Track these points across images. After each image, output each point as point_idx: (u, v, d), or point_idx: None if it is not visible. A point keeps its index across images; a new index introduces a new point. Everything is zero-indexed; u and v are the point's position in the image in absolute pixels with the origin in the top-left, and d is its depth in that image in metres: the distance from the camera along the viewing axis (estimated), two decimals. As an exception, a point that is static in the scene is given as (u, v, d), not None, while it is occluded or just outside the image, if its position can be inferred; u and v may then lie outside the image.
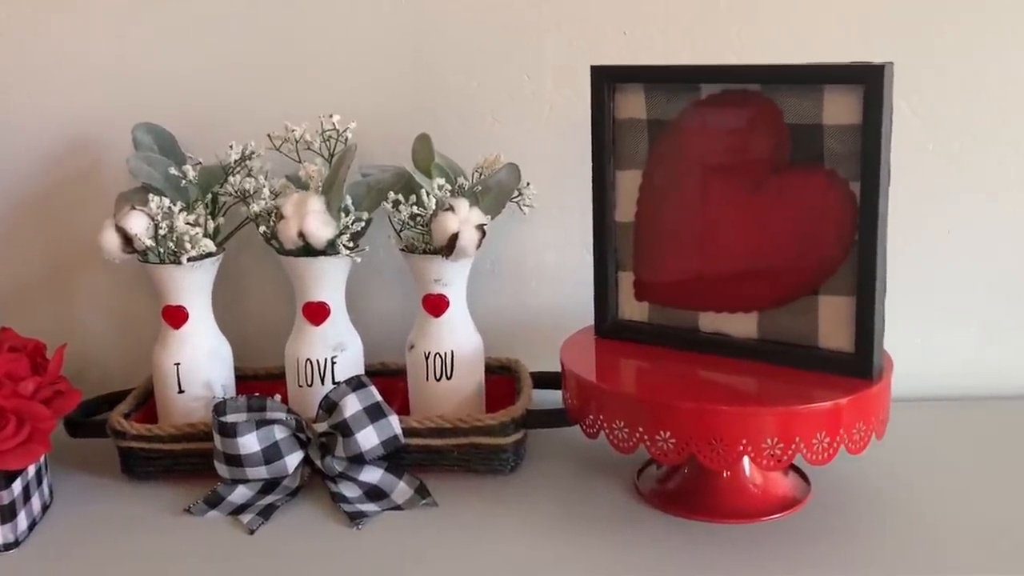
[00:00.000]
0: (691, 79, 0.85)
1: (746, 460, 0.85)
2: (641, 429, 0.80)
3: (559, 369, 1.02)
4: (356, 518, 0.86)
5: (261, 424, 0.88)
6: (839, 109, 0.80)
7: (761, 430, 0.77)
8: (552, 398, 1.01)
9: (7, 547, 0.82)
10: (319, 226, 0.91)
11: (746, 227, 0.85)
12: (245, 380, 1.04)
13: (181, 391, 0.95)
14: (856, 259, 0.81)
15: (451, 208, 0.91)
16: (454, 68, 1.05)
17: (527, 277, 1.10)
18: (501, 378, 1.03)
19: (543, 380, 1.02)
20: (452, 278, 0.95)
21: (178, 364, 0.95)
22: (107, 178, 1.07)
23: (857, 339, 0.81)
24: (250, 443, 0.88)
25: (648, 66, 0.89)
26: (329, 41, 1.05)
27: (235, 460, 0.88)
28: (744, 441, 0.77)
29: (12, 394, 0.83)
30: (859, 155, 0.79)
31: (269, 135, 0.98)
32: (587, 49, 1.04)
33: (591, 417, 0.84)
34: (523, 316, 1.11)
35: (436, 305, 0.96)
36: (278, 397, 0.93)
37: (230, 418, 0.89)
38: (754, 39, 1.02)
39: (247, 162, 0.97)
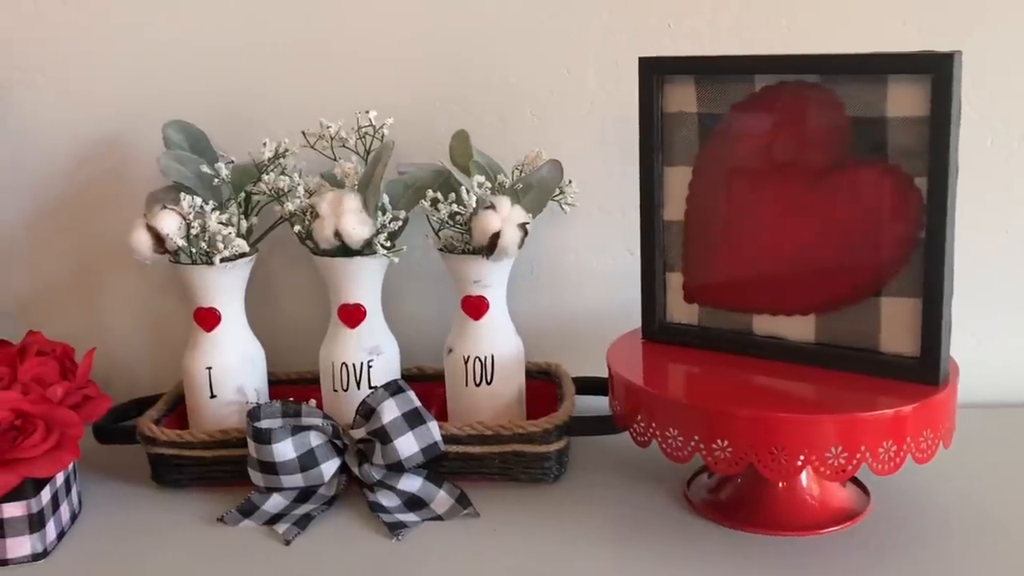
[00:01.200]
0: (745, 70, 0.81)
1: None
2: (696, 437, 0.76)
3: (600, 374, 0.99)
4: (396, 528, 0.82)
5: (296, 430, 0.85)
6: (904, 101, 0.76)
7: (825, 439, 0.73)
8: (593, 404, 0.97)
9: (35, 557, 0.80)
10: (356, 225, 0.88)
11: (804, 225, 0.81)
12: (277, 384, 1.00)
13: (213, 396, 0.92)
14: (922, 259, 0.76)
15: (492, 206, 0.88)
16: (492, 63, 1.02)
17: (566, 279, 1.07)
18: (540, 383, 1.00)
19: (584, 386, 0.98)
20: (492, 279, 0.92)
21: (210, 368, 0.92)
22: (136, 178, 1.04)
23: (923, 343, 0.77)
24: (285, 450, 0.84)
25: (700, 57, 0.86)
26: (363, 36, 1.02)
27: (270, 467, 0.85)
28: (806, 450, 0.73)
29: (40, 399, 0.80)
30: (925, 149, 0.75)
31: (303, 132, 0.95)
32: (630, 42, 1.00)
33: (642, 425, 0.80)
34: (561, 320, 1.07)
35: (476, 307, 0.92)
36: (313, 402, 0.90)
37: (264, 424, 0.85)
38: (804, 30, 0.99)
39: (281, 160, 0.94)
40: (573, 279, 1.07)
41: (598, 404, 0.97)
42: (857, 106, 0.78)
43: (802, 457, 0.73)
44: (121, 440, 0.93)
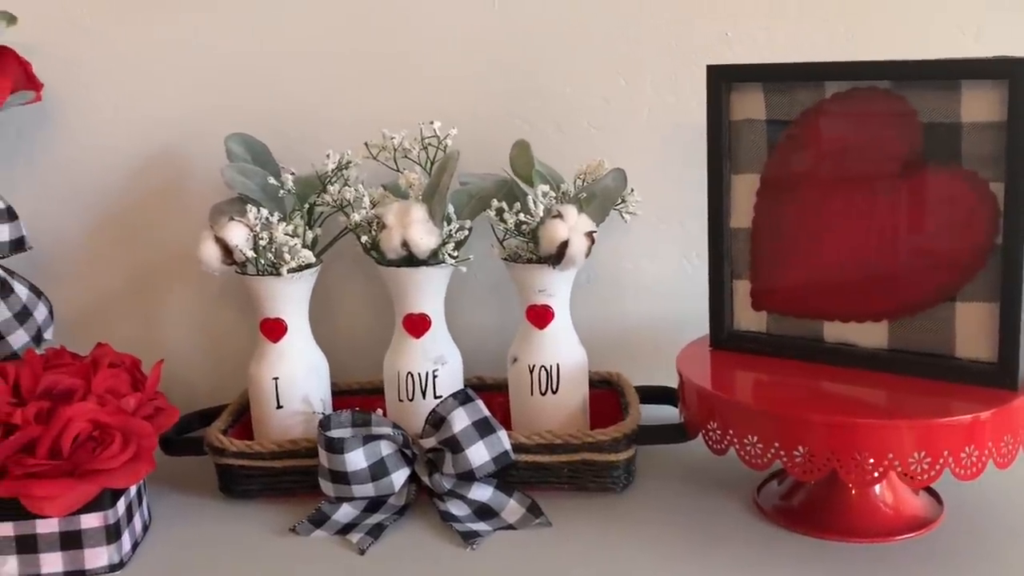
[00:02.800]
0: (816, 77, 0.82)
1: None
2: (777, 444, 0.76)
3: (656, 383, 1.00)
4: (470, 538, 0.82)
5: (367, 440, 0.85)
6: (979, 106, 0.76)
7: (908, 444, 0.73)
8: (653, 414, 0.97)
9: (112, 568, 0.80)
10: (423, 235, 0.88)
11: (876, 231, 0.81)
12: (338, 395, 1.00)
13: (279, 407, 0.93)
14: (999, 264, 0.76)
15: (559, 215, 0.88)
16: (548, 73, 1.03)
17: (624, 288, 1.07)
18: (601, 392, 1.00)
19: (644, 395, 0.98)
20: (557, 288, 0.92)
21: (277, 379, 0.92)
22: (191, 191, 1.05)
23: (1000, 348, 0.77)
24: (357, 459, 0.85)
25: (770, 64, 0.86)
26: (419, 48, 1.02)
27: (341, 477, 0.85)
28: (890, 455, 0.73)
29: (117, 411, 0.80)
30: (1001, 155, 0.75)
31: (366, 143, 0.96)
32: (687, 51, 1.01)
33: (718, 432, 0.80)
34: (617, 329, 1.07)
35: (541, 316, 0.92)
36: (380, 412, 0.90)
37: (335, 433, 0.86)
38: (865, 37, 0.99)
39: (344, 171, 0.95)
40: (629, 288, 1.07)
41: (658, 413, 0.97)
42: (930, 112, 0.78)
43: (885, 463, 0.73)
44: (188, 452, 0.93)
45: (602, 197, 0.93)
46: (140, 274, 1.08)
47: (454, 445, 0.85)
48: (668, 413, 0.98)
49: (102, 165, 1.05)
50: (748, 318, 0.89)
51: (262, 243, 0.89)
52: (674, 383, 0.99)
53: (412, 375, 0.92)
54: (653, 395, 0.98)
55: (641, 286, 1.06)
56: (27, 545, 0.78)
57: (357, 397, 1.01)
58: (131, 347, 0.96)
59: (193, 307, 1.08)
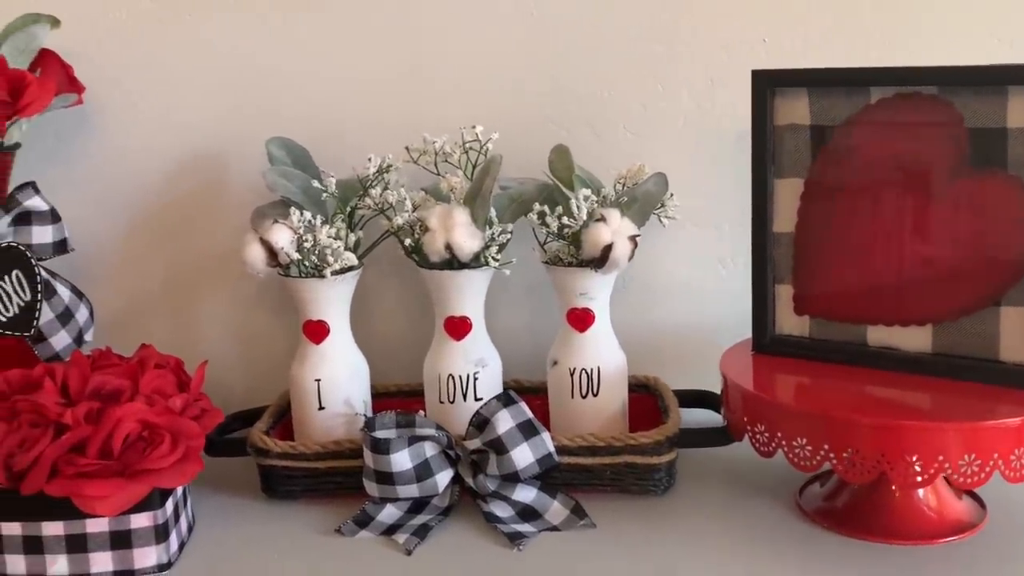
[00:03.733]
0: (861, 83, 0.82)
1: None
2: (826, 447, 0.76)
3: (693, 387, 1.00)
4: (516, 539, 0.83)
5: (413, 441, 0.86)
6: (1026, 112, 0.77)
7: (958, 446, 0.73)
8: (690, 417, 0.97)
9: (161, 568, 0.80)
10: (467, 238, 0.89)
11: (920, 236, 0.82)
12: (377, 397, 1.01)
13: (321, 408, 0.93)
14: (1045, 268, 0.77)
15: (603, 218, 0.89)
16: (585, 78, 1.03)
17: (658, 292, 1.07)
18: (638, 396, 1.00)
19: (683, 399, 0.98)
20: (597, 292, 0.93)
21: (319, 380, 0.93)
22: (227, 193, 1.06)
23: (1046, 351, 0.78)
24: (402, 460, 0.85)
25: (814, 69, 0.87)
26: (458, 54, 1.03)
27: (386, 478, 0.85)
28: (940, 458, 0.73)
29: (165, 411, 0.81)
30: (1048, 159, 0.76)
31: (407, 147, 0.96)
32: (724, 58, 1.01)
33: (765, 435, 0.81)
34: (653, 333, 1.07)
35: (581, 319, 0.93)
36: (422, 413, 0.91)
37: (381, 434, 0.86)
38: (899, 42, 0.99)
39: (384, 175, 0.95)
40: (664, 292, 1.07)
41: (695, 417, 0.97)
42: (976, 117, 0.79)
43: (936, 465, 0.73)
44: (229, 452, 0.93)
45: (643, 201, 0.94)
46: (175, 276, 1.08)
47: (499, 447, 0.86)
48: (705, 417, 0.99)
49: (138, 168, 1.06)
50: (791, 322, 0.90)
51: (306, 245, 0.90)
52: (708, 387, 1.01)
53: (453, 377, 0.93)
54: (690, 399, 0.99)
55: (675, 290, 1.07)
56: (77, 544, 0.78)
57: (394, 399, 1.01)
58: (166, 348, 0.96)
59: (228, 309, 1.09)
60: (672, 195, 0.97)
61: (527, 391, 1.01)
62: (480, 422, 0.87)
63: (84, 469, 0.76)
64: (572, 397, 0.93)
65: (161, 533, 0.80)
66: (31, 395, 0.80)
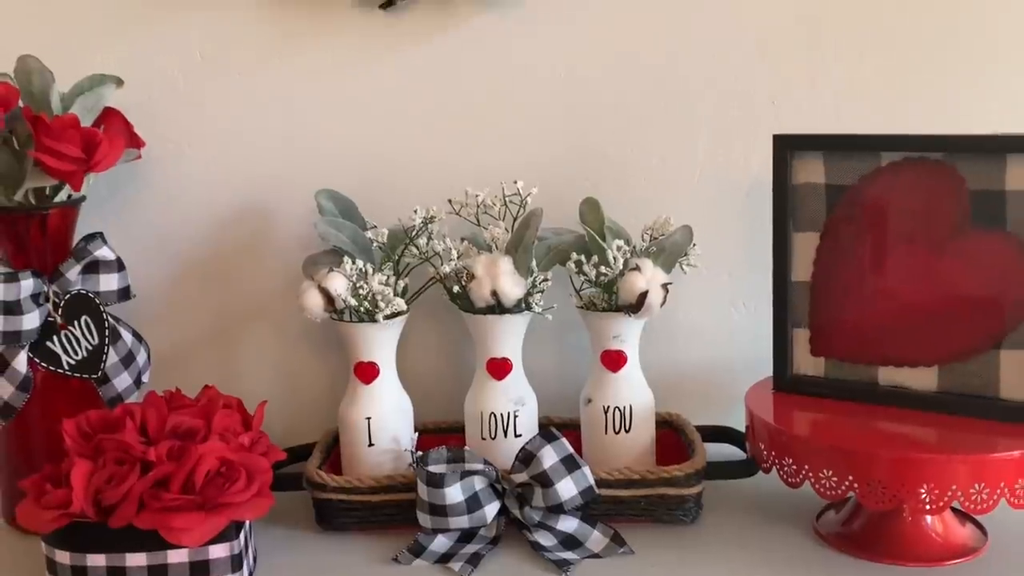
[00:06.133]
0: (873, 147, 0.91)
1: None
2: (851, 477, 0.84)
3: (709, 423, 1.08)
4: (562, 565, 0.89)
5: (464, 475, 0.92)
6: (1023, 176, 0.86)
7: (969, 476, 0.82)
8: (710, 451, 1.04)
9: (235, 596, 0.85)
10: (512, 286, 0.96)
11: (927, 286, 0.91)
12: (420, 434, 1.07)
13: (371, 444, 0.99)
14: (1041, 315, 0.86)
15: (638, 268, 0.96)
16: (609, 135, 1.11)
17: (677, 335, 1.15)
18: (662, 431, 1.07)
19: (704, 434, 1.06)
20: (629, 335, 1.00)
21: (369, 418, 0.99)
22: (273, 241, 1.12)
23: (1043, 391, 0.87)
24: (455, 493, 0.91)
25: (830, 135, 0.96)
26: (493, 113, 1.10)
27: (440, 510, 0.92)
28: (954, 487, 0.82)
29: (239, 448, 0.87)
30: (1043, 219, 0.85)
31: (450, 200, 1.03)
32: (736, 116, 1.10)
33: (792, 467, 0.89)
34: (672, 373, 1.15)
35: (615, 360, 1.00)
36: (469, 449, 0.97)
37: (434, 468, 0.92)
38: (902, 106, 1.08)
39: (429, 225, 1.02)
40: (681, 334, 1.15)
41: (714, 450, 1.05)
42: (978, 181, 0.88)
43: (949, 493, 0.82)
44: (285, 487, 0.99)
45: (670, 251, 1.01)
46: (220, 318, 1.14)
47: (544, 480, 0.92)
48: (725, 450, 1.07)
49: (187, 217, 1.11)
50: (807, 363, 0.98)
51: (361, 292, 0.96)
52: (722, 421, 1.09)
53: (495, 415, 1.00)
54: (711, 434, 1.06)
55: (692, 333, 1.15)
56: (159, 574, 0.83)
57: (433, 436, 1.07)
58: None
59: (270, 352, 1.15)
60: (694, 245, 1.05)
61: (558, 427, 1.08)
62: (526, 457, 0.94)
63: (169, 503, 0.81)
64: (606, 433, 1.00)
65: (236, 563, 0.85)
66: (114, 434, 0.85)
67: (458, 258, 1.00)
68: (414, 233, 1.02)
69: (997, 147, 0.86)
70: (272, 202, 1.12)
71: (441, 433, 1.08)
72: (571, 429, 1.04)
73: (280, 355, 1.15)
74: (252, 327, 1.14)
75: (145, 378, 1.04)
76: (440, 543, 0.93)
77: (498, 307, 0.98)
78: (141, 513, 0.81)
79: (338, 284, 0.96)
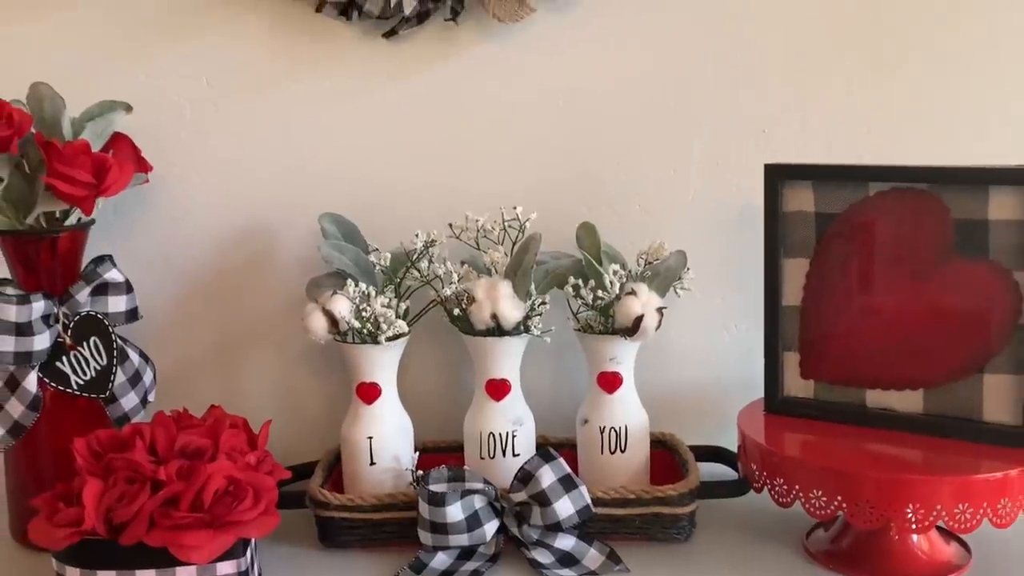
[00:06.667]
0: (861, 178, 0.95)
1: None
2: (840, 497, 0.87)
3: (701, 443, 1.11)
4: (561, 582, 0.92)
5: (465, 494, 0.94)
6: (1004, 206, 0.89)
7: (953, 497, 0.85)
8: (704, 470, 1.07)
9: (242, 612, 0.87)
10: (511, 309, 0.99)
11: (913, 312, 0.94)
12: (420, 453, 1.09)
13: (372, 463, 1.01)
14: (1022, 341, 0.89)
15: (634, 292, 0.99)
16: (606, 162, 1.14)
17: (671, 356, 1.17)
18: (655, 451, 1.10)
19: (696, 454, 1.08)
20: (624, 357, 1.03)
21: (371, 438, 1.01)
22: (275, 263, 1.14)
23: (1024, 414, 0.90)
24: (456, 512, 0.94)
25: (819, 165, 0.99)
26: (491, 139, 1.13)
27: (441, 528, 0.94)
28: (939, 507, 0.85)
29: (246, 467, 0.89)
30: (1023, 248, 0.88)
31: (450, 224, 1.06)
32: (727, 144, 1.13)
33: (783, 487, 0.91)
34: (668, 393, 1.17)
35: (611, 382, 1.03)
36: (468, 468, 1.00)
37: (435, 487, 0.95)
38: (886, 137, 1.12)
39: (429, 249, 1.05)
40: (673, 356, 1.18)
41: (706, 470, 1.07)
42: (962, 210, 0.91)
43: (935, 513, 0.85)
44: (288, 505, 1.01)
45: (664, 276, 1.04)
46: (223, 340, 1.16)
47: (543, 499, 0.95)
48: (717, 470, 1.09)
49: (191, 241, 1.14)
50: (797, 386, 1.01)
51: (364, 314, 0.99)
52: (713, 440, 1.11)
53: (493, 435, 1.02)
54: (704, 454, 1.09)
55: (685, 354, 1.17)
56: (167, 590, 0.85)
57: (432, 455, 1.10)
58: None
59: (271, 372, 1.17)
60: (688, 269, 1.08)
61: (555, 447, 1.10)
62: (524, 476, 0.97)
63: (179, 521, 0.83)
64: (602, 453, 1.03)
65: (243, 580, 0.87)
66: (124, 453, 0.87)
67: (458, 281, 1.03)
68: (415, 256, 1.04)
69: (980, 178, 0.90)
70: (275, 225, 1.14)
71: (440, 452, 1.10)
72: (568, 448, 1.06)
73: (281, 374, 1.17)
74: (255, 347, 1.17)
75: (151, 398, 1.06)
76: (440, 560, 0.96)
77: (497, 329, 1.00)
78: (152, 531, 0.83)
79: (342, 306, 0.98)
